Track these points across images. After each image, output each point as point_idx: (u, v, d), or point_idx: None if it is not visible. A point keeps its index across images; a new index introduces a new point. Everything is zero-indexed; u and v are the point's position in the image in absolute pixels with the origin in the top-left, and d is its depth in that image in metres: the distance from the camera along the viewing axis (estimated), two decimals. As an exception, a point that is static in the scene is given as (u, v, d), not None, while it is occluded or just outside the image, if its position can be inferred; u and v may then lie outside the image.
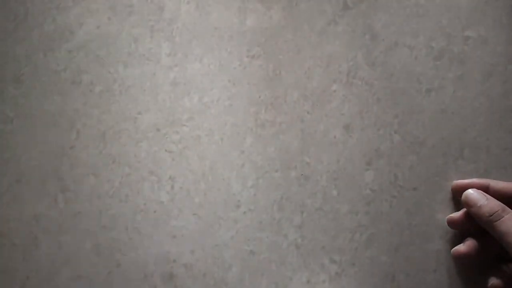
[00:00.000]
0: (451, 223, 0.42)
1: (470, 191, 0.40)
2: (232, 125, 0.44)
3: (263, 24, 0.45)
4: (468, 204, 0.40)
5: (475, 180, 0.41)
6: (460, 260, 0.41)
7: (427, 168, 0.44)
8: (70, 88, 0.45)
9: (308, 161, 0.44)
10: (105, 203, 0.43)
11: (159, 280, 0.42)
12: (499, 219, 0.38)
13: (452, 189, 0.42)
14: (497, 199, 0.40)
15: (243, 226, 0.43)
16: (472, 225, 0.40)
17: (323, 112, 0.44)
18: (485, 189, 0.41)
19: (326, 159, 0.44)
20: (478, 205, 0.39)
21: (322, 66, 0.45)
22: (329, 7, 0.46)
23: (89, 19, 0.46)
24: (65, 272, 0.42)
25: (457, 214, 0.41)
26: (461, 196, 0.41)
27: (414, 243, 0.43)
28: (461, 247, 0.41)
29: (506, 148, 0.44)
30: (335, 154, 0.44)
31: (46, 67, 0.45)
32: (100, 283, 0.41)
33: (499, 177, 0.44)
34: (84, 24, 0.46)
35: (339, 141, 0.44)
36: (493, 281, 0.40)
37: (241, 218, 0.43)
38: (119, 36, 0.45)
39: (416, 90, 0.45)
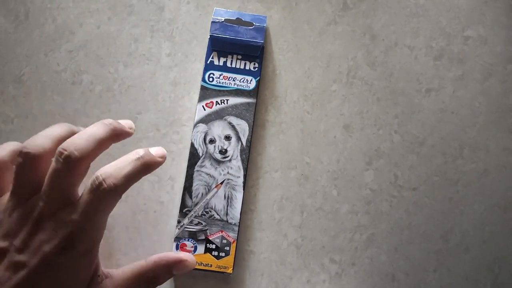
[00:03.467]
0: None
1: None
2: (232, 125, 0.44)
3: (263, 24, 0.45)
4: None
5: None
6: None
7: (427, 168, 0.44)
8: (70, 88, 0.45)
9: (308, 161, 0.44)
10: (106, 203, 0.43)
11: (159, 280, 0.42)
12: None
13: None
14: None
15: (243, 226, 0.43)
16: None
17: (323, 112, 0.44)
18: None
19: (326, 159, 0.44)
20: None
21: (322, 66, 0.45)
22: (329, 7, 0.46)
23: (89, 19, 0.46)
24: (65, 272, 0.42)
25: None
26: None
27: (414, 242, 0.43)
28: None
29: (506, 148, 0.44)
30: (335, 154, 0.44)
31: (47, 67, 0.45)
32: (101, 283, 0.41)
33: (499, 177, 0.44)
34: (84, 24, 0.46)
35: (339, 141, 0.44)
36: None
37: (241, 218, 0.43)
38: (119, 36, 0.45)
39: (416, 90, 0.45)
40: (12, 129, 0.44)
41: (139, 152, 0.35)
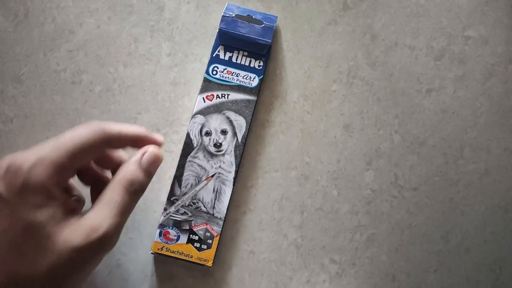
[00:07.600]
0: None
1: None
2: (232, 125, 0.44)
3: (263, 24, 0.45)
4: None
5: None
6: None
7: (427, 168, 0.44)
8: (70, 88, 0.45)
9: (308, 161, 0.44)
10: (105, 203, 0.43)
11: (159, 280, 0.42)
12: None
13: None
14: None
15: (243, 226, 0.43)
16: None
17: (323, 112, 0.44)
18: None
19: (326, 159, 0.44)
20: None
21: (322, 66, 0.45)
22: (329, 7, 0.46)
23: (89, 19, 0.46)
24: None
25: None
26: None
27: (414, 243, 0.43)
28: None
29: (507, 148, 0.44)
30: (335, 154, 0.44)
31: (46, 67, 0.45)
32: (100, 283, 0.41)
33: (500, 177, 0.44)
34: (84, 24, 0.46)
35: (339, 141, 0.44)
36: None
37: (241, 218, 0.43)
38: (119, 36, 0.45)
39: (416, 90, 0.45)
40: (11, 129, 0.44)
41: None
